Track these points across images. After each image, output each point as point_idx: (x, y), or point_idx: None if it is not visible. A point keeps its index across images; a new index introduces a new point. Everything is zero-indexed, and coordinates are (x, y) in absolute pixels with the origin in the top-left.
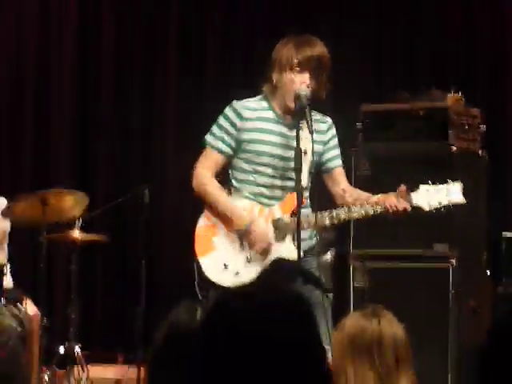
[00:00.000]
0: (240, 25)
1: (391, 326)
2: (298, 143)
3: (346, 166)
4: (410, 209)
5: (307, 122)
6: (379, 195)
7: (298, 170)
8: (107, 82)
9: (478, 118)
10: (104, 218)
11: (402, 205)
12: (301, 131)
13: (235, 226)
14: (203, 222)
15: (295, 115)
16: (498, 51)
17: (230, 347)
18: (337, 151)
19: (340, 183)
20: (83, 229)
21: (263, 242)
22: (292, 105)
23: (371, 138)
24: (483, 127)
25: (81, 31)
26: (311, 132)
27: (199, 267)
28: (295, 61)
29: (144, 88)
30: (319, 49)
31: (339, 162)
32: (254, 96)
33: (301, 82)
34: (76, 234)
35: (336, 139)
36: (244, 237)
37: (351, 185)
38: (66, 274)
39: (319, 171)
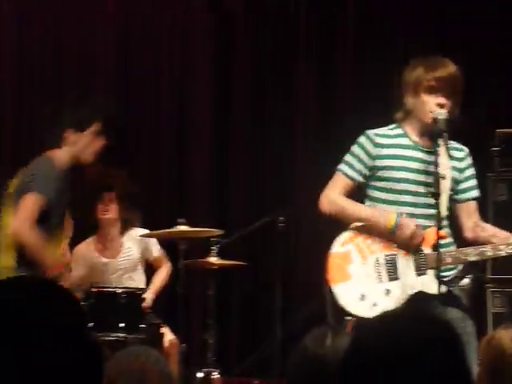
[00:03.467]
0: (373, 50)
1: None
2: (436, 168)
3: (482, 191)
4: None
5: (446, 147)
6: None
7: (437, 195)
8: (246, 109)
9: None
10: (240, 244)
11: None
12: (438, 155)
13: (384, 226)
14: (337, 249)
15: (432, 139)
16: None
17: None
18: (473, 182)
19: (472, 216)
20: (220, 254)
21: (417, 235)
22: (428, 127)
23: (507, 162)
24: None
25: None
26: (450, 156)
27: (332, 295)
28: (428, 81)
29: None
30: (451, 69)
31: (475, 193)
32: (387, 125)
33: (435, 103)
34: (213, 259)
35: (473, 169)
36: (395, 234)
37: (487, 211)
38: (203, 300)
39: (453, 200)
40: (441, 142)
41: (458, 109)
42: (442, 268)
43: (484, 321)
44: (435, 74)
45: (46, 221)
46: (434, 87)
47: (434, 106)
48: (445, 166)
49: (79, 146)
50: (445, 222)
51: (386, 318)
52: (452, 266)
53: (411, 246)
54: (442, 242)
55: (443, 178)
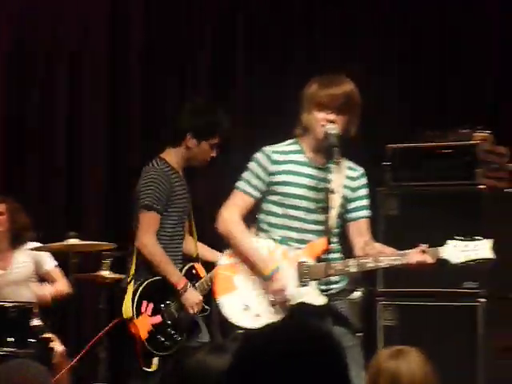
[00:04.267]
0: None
1: (409, 367)
2: (327, 183)
3: (373, 205)
4: (434, 263)
5: (338, 162)
6: (405, 251)
7: (326, 209)
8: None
9: (506, 156)
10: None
11: (426, 259)
12: (331, 172)
13: (259, 272)
14: (224, 261)
15: (326, 156)
16: None
17: None
18: (365, 202)
19: (363, 235)
20: (115, 268)
21: (283, 292)
22: (321, 142)
23: (398, 177)
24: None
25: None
26: (343, 173)
27: (218, 307)
28: (320, 98)
29: None
30: (345, 87)
31: (366, 213)
32: (285, 140)
33: (325, 119)
34: (105, 273)
35: (366, 190)
36: (265, 284)
37: (378, 225)
38: (95, 313)
39: (344, 218)
40: (333, 157)
41: (355, 126)
42: (327, 280)
43: (374, 334)
44: (327, 91)
45: (164, 227)
46: (325, 104)
47: (325, 122)
48: (336, 182)
49: (194, 152)
50: (334, 239)
51: (269, 329)
52: (338, 279)
53: (275, 299)
54: (330, 256)
55: (333, 192)
